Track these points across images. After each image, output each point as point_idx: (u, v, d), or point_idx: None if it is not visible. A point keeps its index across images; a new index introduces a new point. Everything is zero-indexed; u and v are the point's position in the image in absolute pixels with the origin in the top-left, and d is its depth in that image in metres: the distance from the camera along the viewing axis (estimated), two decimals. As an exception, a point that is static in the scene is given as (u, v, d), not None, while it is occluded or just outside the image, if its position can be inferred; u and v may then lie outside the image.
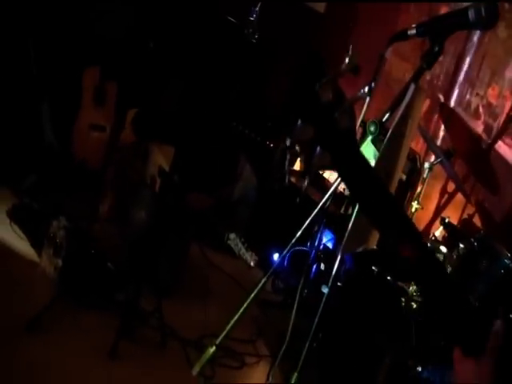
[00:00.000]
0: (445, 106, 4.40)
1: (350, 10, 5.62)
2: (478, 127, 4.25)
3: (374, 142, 2.05)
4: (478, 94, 4.34)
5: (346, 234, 2.39)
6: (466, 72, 4.44)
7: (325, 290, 2.62)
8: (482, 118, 4.24)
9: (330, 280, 2.53)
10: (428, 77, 4.65)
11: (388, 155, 2.22)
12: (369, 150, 2.20)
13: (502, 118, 4.12)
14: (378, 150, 2.14)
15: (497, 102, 4.18)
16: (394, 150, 2.26)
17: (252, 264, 4.37)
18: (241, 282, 4.40)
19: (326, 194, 4.67)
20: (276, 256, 4.62)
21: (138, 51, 5.01)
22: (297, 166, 4.98)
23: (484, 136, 4.20)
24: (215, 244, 4.74)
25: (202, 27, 5.02)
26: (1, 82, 4.48)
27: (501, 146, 4.08)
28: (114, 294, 3.61)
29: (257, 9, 4.82)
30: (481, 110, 4.28)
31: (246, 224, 4.87)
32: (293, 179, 4.87)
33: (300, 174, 4.85)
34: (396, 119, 2.20)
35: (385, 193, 1.21)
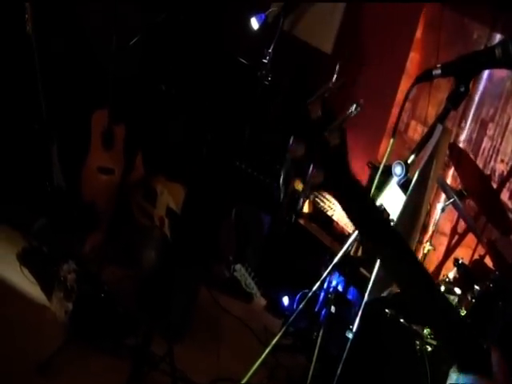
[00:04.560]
0: (454, 146, 4.41)
1: (358, 50, 5.66)
2: (503, 195, 4.22)
3: (400, 184, 2.04)
4: (502, 161, 4.33)
5: (372, 279, 2.37)
6: (490, 138, 4.44)
7: (349, 334, 2.58)
8: (508, 185, 4.22)
9: (355, 325, 2.50)
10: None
11: (415, 198, 2.21)
12: (393, 193, 2.18)
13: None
14: (404, 193, 2.13)
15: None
16: (421, 192, 2.24)
17: (258, 295, 4.35)
18: (250, 326, 4.37)
19: (333, 236, 4.67)
20: (285, 299, 4.59)
21: (149, 94, 5.06)
22: (306, 209, 4.98)
23: (510, 204, 4.17)
24: (223, 286, 4.72)
25: (215, 69, 5.07)
26: (10, 125, 4.52)
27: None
28: (125, 339, 3.58)
29: (270, 50, 4.85)
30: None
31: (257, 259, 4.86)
32: (302, 221, 4.87)
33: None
34: (423, 161, 2.18)
35: (375, 209, 1.21)
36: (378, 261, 2.47)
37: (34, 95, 4.38)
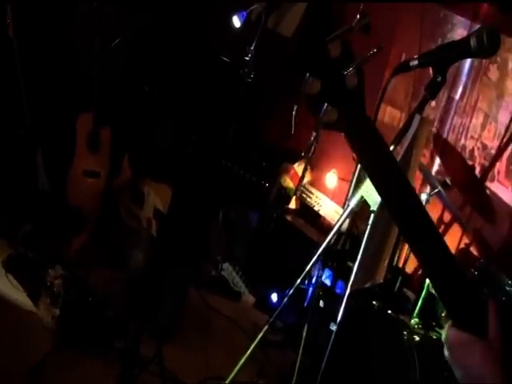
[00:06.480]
0: (439, 137, 4.42)
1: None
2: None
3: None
4: (472, 137, 4.37)
5: (354, 270, 2.37)
6: (459, 115, 4.48)
7: (333, 327, 2.59)
8: (478, 160, 4.27)
9: (339, 317, 2.51)
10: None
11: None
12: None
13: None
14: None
15: (492, 144, 4.21)
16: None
17: (246, 293, 4.35)
18: (240, 324, 4.37)
19: (321, 231, 4.67)
20: (274, 296, 4.59)
21: (132, 95, 5.04)
22: (292, 205, 4.98)
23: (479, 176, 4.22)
24: (211, 285, 4.72)
25: (197, 68, 5.05)
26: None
27: (498, 187, 4.11)
28: (114, 342, 3.57)
29: (252, 48, 4.83)
30: (476, 152, 4.31)
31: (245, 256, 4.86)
32: (288, 218, 4.86)
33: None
34: (402, 151, 2.19)
35: (389, 153, 1.20)
36: (360, 254, 2.46)
37: (17, 100, 4.37)
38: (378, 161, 1.20)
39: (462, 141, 4.42)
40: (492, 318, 1.24)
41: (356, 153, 1.19)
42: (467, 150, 4.38)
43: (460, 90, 4.48)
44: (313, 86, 1.12)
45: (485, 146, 4.28)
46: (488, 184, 4.18)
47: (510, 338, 1.24)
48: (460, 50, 2.04)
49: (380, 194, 1.23)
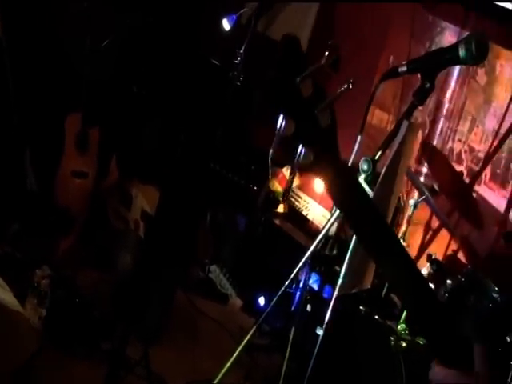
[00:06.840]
0: (427, 144, 4.44)
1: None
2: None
3: (367, 181, 2.04)
4: (459, 140, 4.40)
5: (341, 276, 2.37)
6: (447, 118, 4.50)
7: (319, 331, 2.59)
8: (465, 163, 4.29)
9: (325, 322, 2.51)
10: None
11: (381, 194, 2.21)
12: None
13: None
14: (371, 189, 2.13)
15: (479, 147, 4.24)
16: (387, 188, 2.25)
17: (233, 296, 4.34)
18: (227, 327, 4.36)
19: (309, 235, 4.67)
20: (261, 300, 4.59)
21: (121, 96, 5.03)
22: (280, 208, 4.98)
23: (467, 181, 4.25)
24: (198, 288, 4.71)
25: (186, 69, 5.04)
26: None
27: (485, 191, 4.13)
28: (100, 343, 3.56)
29: (241, 51, 4.84)
30: (463, 155, 4.34)
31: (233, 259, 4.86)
32: (276, 221, 4.86)
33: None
34: (390, 157, 2.20)
35: (364, 193, 1.20)
36: (347, 259, 2.46)
37: (5, 99, 4.35)
38: (349, 197, 1.19)
39: (450, 143, 4.45)
40: (478, 354, 1.24)
41: (328, 191, 1.18)
42: (455, 153, 4.41)
43: (448, 92, 4.51)
44: (287, 127, 1.11)
45: (472, 149, 4.32)
46: (476, 187, 4.21)
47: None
48: (448, 57, 2.06)
49: (351, 228, 1.23)
